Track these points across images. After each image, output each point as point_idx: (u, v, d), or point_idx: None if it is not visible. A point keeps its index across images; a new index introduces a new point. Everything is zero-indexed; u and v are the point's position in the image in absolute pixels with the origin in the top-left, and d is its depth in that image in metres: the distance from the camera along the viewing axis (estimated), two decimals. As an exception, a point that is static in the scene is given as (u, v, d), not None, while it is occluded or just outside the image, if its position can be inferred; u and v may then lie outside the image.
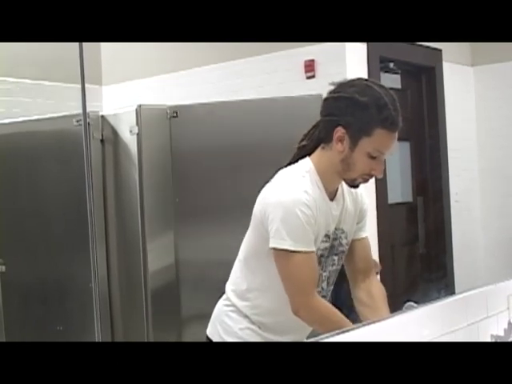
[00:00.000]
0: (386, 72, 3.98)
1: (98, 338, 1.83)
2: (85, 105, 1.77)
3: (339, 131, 1.99)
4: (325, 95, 2.06)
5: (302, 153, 2.09)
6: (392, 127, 1.98)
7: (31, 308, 3.20)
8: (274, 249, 1.98)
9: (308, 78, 3.55)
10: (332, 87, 2.04)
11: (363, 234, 2.22)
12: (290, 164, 2.09)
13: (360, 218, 2.20)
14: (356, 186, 2.08)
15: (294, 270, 2.00)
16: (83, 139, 1.72)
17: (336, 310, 2.06)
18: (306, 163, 2.06)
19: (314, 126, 2.10)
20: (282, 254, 1.97)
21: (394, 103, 1.99)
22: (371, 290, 2.19)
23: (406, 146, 4.26)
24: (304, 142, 2.11)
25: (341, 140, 1.99)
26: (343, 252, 2.15)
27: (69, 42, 1.62)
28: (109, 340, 3.18)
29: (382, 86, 2.03)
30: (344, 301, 2.44)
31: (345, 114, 1.98)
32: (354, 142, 1.98)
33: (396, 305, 2.32)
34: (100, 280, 3.23)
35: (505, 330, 2.20)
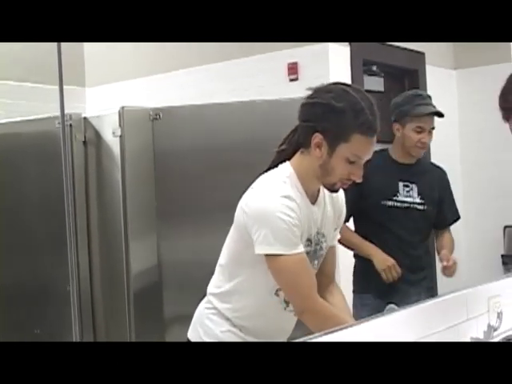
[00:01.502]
0: (369, 75, 3.99)
1: (75, 339, 1.82)
2: (63, 106, 1.76)
3: (317, 137, 1.99)
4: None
5: (282, 157, 2.09)
6: (369, 132, 1.98)
7: (9, 311, 3.18)
8: (266, 255, 1.97)
9: (291, 80, 3.56)
10: (309, 92, 2.04)
11: (335, 242, 2.25)
12: (269, 169, 2.09)
13: (338, 224, 2.22)
14: (335, 191, 2.08)
15: (289, 273, 2.00)
16: (61, 141, 1.72)
17: (337, 312, 2.08)
18: (286, 168, 2.06)
19: (293, 131, 2.09)
20: (273, 260, 1.97)
21: (371, 108, 1.98)
22: (334, 291, 2.22)
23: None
24: (283, 147, 2.10)
25: (319, 146, 1.99)
26: (322, 256, 2.16)
27: (47, 42, 1.61)
28: (90, 340, 3.18)
29: (359, 91, 2.03)
30: None
31: (321, 120, 1.98)
32: (331, 148, 1.98)
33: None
34: (82, 281, 3.23)
35: (484, 333, 2.21)
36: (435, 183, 3.03)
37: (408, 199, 2.93)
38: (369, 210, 2.91)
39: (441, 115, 2.91)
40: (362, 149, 1.99)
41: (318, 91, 2.02)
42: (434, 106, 2.94)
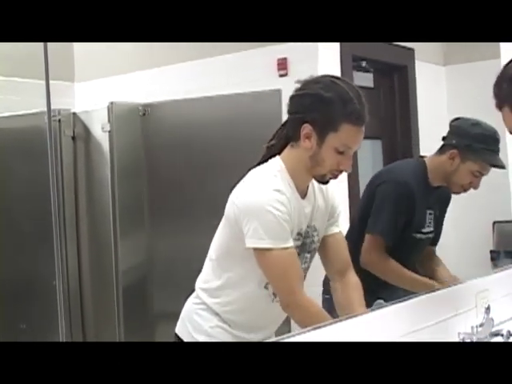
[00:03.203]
0: (358, 71, 3.99)
1: (61, 336, 1.82)
2: (49, 102, 1.76)
3: (306, 128, 2.00)
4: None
5: (271, 152, 2.10)
6: (358, 121, 1.99)
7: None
8: (254, 249, 1.98)
9: (281, 76, 3.55)
10: (298, 85, 2.05)
11: (335, 229, 2.23)
12: (260, 164, 2.09)
13: (331, 215, 2.21)
14: (326, 182, 2.09)
15: (277, 267, 2.01)
16: (47, 136, 1.72)
17: (322, 309, 2.09)
18: (277, 162, 2.07)
19: (283, 125, 2.11)
20: (262, 253, 1.98)
21: (359, 98, 2.00)
22: (348, 286, 2.19)
23: (378, 144, 4.27)
24: (273, 142, 2.11)
25: (308, 137, 2.00)
26: (315, 249, 2.17)
27: (34, 42, 1.61)
28: (79, 337, 3.18)
29: (346, 82, 2.05)
30: None
31: (310, 110, 2.00)
32: (321, 138, 2.00)
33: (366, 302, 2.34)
34: (71, 277, 3.23)
35: (472, 328, 2.22)
36: (444, 206, 2.88)
37: (430, 229, 2.79)
38: (398, 240, 2.71)
39: (503, 168, 2.69)
40: (351, 138, 2.01)
41: (307, 83, 2.04)
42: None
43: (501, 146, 2.70)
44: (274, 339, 1.93)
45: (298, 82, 2.06)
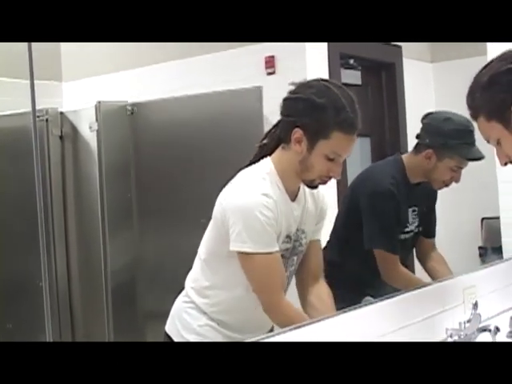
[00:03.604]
0: (346, 68, 4.00)
1: (48, 336, 1.82)
2: (34, 102, 1.76)
3: (297, 132, 1.98)
4: (285, 95, 2.05)
5: (263, 152, 2.08)
6: (350, 130, 1.96)
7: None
8: (238, 252, 1.97)
9: (268, 74, 3.55)
10: (292, 87, 2.02)
11: (318, 236, 2.23)
12: (251, 163, 2.08)
13: (319, 219, 2.21)
14: (315, 187, 2.08)
15: (258, 272, 2.00)
16: (32, 136, 1.72)
17: (302, 312, 2.08)
18: (267, 164, 2.05)
19: (275, 125, 2.09)
20: (245, 257, 1.97)
21: (352, 105, 1.97)
22: (320, 293, 2.19)
23: (367, 141, 4.28)
24: (265, 141, 2.09)
25: (299, 141, 1.99)
26: (302, 252, 2.16)
27: (18, 42, 1.60)
28: (68, 336, 3.18)
29: (340, 87, 2.01)
30: None
31: (302, 115, 1.97)
32: (311, 144, 1.98)
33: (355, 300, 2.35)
34: (60, 277, 3.23)
35: (459, 324, 2.23)
36: (431, 198, 2.85)
37: (413, 227, 2.75)
38: None
39: (481, 159, 2.60)
40: (342, 146, 1.99)
41: (300, 86, 2.02)
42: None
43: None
44: (254, 339, 1.90)
45: (292, 84, 2.03)
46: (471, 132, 2.53)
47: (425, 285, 2.55)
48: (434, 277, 2.79)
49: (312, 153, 1.98)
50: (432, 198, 2.86)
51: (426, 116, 2.71)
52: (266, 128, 2.21)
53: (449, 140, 2.58)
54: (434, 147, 2.61)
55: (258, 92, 3.03)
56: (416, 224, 2.76)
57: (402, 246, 2.71)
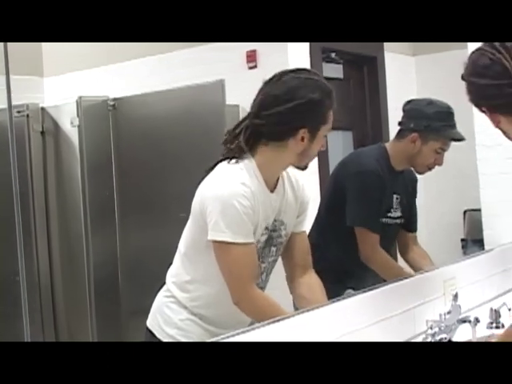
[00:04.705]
0: (328, 62, 4.01)
1: (26, 330, 1.82)
2: (10, 98, 1.76)
3: (302, 133, 2.01)
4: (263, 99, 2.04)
5: (239, 146, 2.06)
6: (333, 102, 2.06)
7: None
8: (213, 241, 1.98)
9: (250, 68, 3.56)
10: (280, 94, 2.00)
11: (302, 228, 2.24)
12: (228, 156, 2.07)
13: (301, 212, 2.21)
14: (306, 168, 2.12)
15: (232, 261, 2.00)
16: (8, 131, 1.72)
17: (275, 302, 2.07)
18: (245, 156, 2.04)
19: (243, 121, 2.07)
20: (220, 246, 1.98)
21: (324, 79, 2.08)
22: (310, 284, 2.19)
23: (349, 135, 4.30)
24: (240, 137, 2.05)
25: (303, 139, 2.02)
26: (281, 243, 2.16)
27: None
28: (51, 332, 3.17)
29: (314, 72, 2.12)
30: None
31: (307, 117, 2.01)
32: (314, 135, 2.03)
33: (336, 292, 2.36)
34: (42, 273, 3.22)
35: (440, 315, 2.24)
36: (411, 190, 2.89)
37: (397, 213, 2.78)
38: None
39: (463, 139, 2.72)
40: (332, 119, 2.07)
41: (291, 91, 2.00)
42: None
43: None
44: (224, 335, 1.89)
45: (266, 82, 2.04)
46: (452, 114, 2.68)
47: (406, 277, 2.56)
48: (416, 269, 2.81)
49: (314, 142, 2.04)
50: (413, 192, 2.90)
51: (408, 102, 2.79)
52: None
53: (433, 122, 2.66)
54: (419, 131, 2.68)
55: (219, 85, 3.05)
56: (399, 214, 2.79)
57: (385, 233, 2.74)
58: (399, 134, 2.76)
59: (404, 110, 2.78)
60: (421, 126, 2.68)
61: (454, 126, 2.69)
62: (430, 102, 2.72)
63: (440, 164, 2.73)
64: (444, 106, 2.70)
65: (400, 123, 2.77)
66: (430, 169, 2.74)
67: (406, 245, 2.90)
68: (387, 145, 2.80)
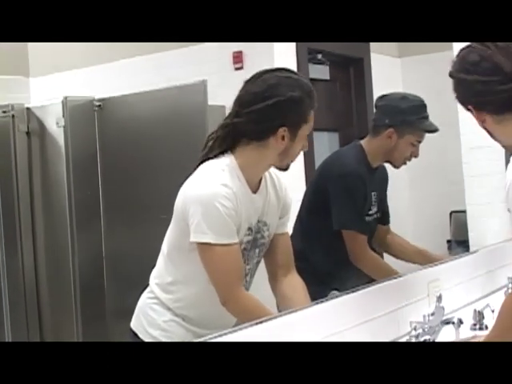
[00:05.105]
0: (314, 63, 4.02)
1: (7, 328, 1.81)
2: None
3: (282, 131, 2.01)
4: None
5: (221, 146, 2.07)
6: (315, 102, 2.06)
7: None
8: (197, 243, 1.97)
9: (236, 69, 3.56)
10: (260, 91, 2.00)
11: (285, 229, 2.24)
12: (210, 157, 2.07)
13: (283, 213, 2.22)
14: (287, 169, 2.12)
15: (217, 262, 2.00)
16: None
17: (261, 304, 2.07)
18: (227, 157, 2.05)
19: (228, 117, 2.08)
20: (204, 248, 1.97)
21: (305, 79, 2.08)
22: (293, 284, 2.20)
23: (335, 136, 4.31)
24: (224, 138, 2.06)
25: (283, 138, 2.01)
26: (264, 245, 2.16)
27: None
28: (35, 332, 3.16)
29: (293, 71, 2.12)
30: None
31: (287, 115, 2.01)
32: (294, 134, 2.02)
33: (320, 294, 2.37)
34: (26, 274, 3.21)
35: (424, 317, 2.25)
36: (384, 185, 2.94)
37: (374, 210, 2.82)
38: None
39: (437, 131, 2.77)
40: (313, 118, 2.06)
41: (271, 88, 2.00)
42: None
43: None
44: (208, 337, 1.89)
45: (247, 82, 2.05)
46: (425, 106, 2.74)
47: (389, 278, 2.57)
48: (395, 248, 2.93)
49: (295, 141, 2.03)
50: (385, 186, 2.95)
51: (381, 98, 2.84)
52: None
53: (408, 116, 2.70)
54: (395, 125, 2.71)
55: (202, 86, 3.05)
56: (376, 209, 2.83)
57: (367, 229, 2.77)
58: (374, 131, 2.79)
59: (377, 106, 2.84)
60: (396, 120, 2.71)
61: (427, 117, 2.73)
62: (403, 97, 2.78)
63: (416, 156, 2.77)
64: (417, 99, 2.76)
65: (374, 120, 2.82)
66: (406, 162, 2.78)
67: (382, 237, 2.95)
68: (362, 142, 2.82)
